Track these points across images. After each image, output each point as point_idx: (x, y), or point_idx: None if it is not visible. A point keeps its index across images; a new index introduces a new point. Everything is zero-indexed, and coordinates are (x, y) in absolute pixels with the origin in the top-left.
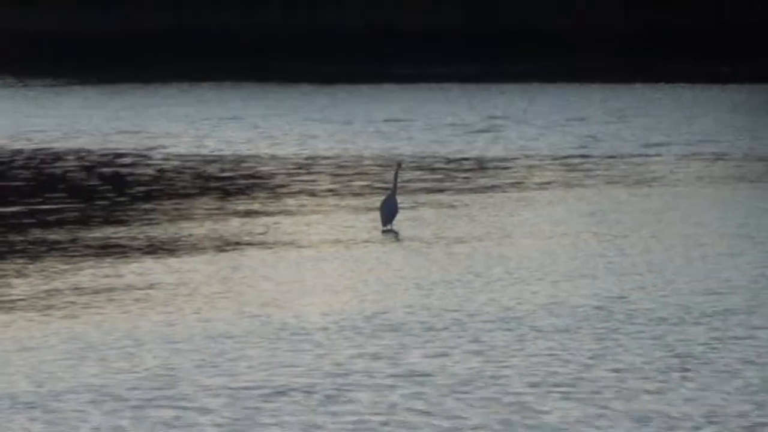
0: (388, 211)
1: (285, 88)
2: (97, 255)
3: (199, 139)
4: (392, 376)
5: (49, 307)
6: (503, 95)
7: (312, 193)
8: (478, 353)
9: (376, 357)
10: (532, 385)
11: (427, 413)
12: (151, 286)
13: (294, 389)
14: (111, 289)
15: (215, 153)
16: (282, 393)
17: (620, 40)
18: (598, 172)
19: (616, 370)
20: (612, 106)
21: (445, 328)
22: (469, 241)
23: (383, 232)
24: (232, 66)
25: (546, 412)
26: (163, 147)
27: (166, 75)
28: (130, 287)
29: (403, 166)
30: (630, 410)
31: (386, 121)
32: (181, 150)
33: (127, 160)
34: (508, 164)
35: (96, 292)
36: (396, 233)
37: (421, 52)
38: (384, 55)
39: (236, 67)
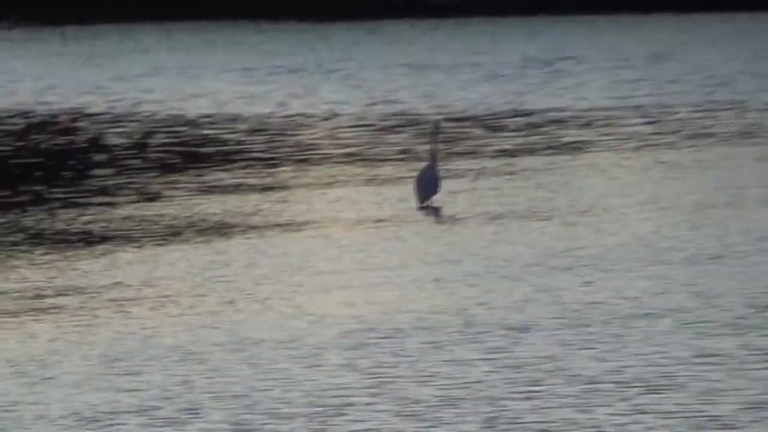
0: (427, 186)
1: (280, 25)
2: (67, 245)
3: (180, 96)
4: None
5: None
6: (559, 30)
7: (330, 162)
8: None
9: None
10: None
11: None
12: (145, 284)
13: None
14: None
15: (201, 112)
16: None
17: None
18: (678, 125)
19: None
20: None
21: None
22: (536, 219)
23: (420, 209)
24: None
25: None
26: (135, 107)
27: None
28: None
29: (442, 125)
30: None
31: (410, 66)
32: (159, 109)
33: (93, 124)
34: (573, 117)
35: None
36: (437, 210)
37: None
38: None
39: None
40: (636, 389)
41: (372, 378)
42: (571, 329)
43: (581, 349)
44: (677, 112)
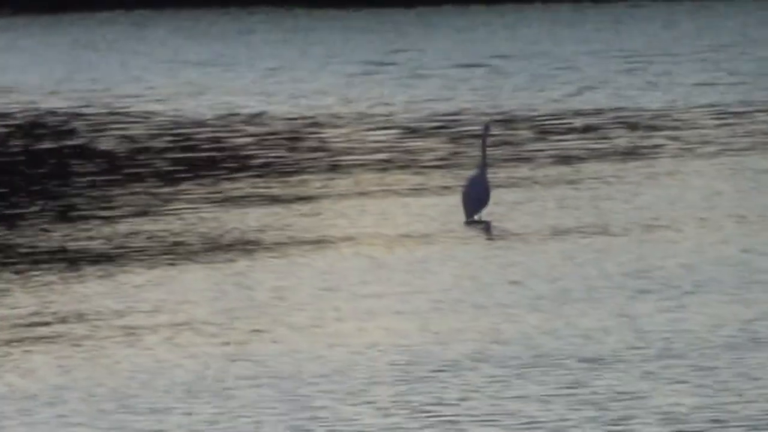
0: (475, 198)
1: (304, 13)
2: (61, 265)
3: (190, 93)
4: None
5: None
6: (619, 19)
7: (363, 169)
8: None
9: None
10: None
11: None
12: (158, 310)
13: None
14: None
15: (213, 112)
16: None
17: None
18: (759, 126)
19: None
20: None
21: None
22: (607, 234)
23: (467, 224)
24: None
25: None
26: (137, 105)
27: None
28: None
29: (493, 128)
30: None
31: (452, 60)
32: (165, 108)
33: (90, 126)
34: (639, 118)
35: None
36: (488, 225)
37: None
38: None
39: None
40: (734, 430)
41: (428, 417)
42: (655, 361)
43: (669, 383)
44: (758, 112)
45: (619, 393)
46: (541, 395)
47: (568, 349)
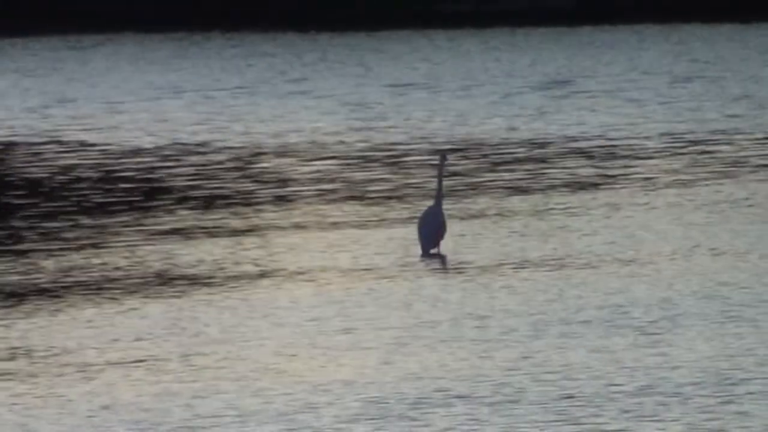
0: (431, 231)
1: (267, 37)
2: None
3: (129, 122)
4: None
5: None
6: (577, 44)
7: (314, 200)
8: None
9: None
10: None
11: None
12: (110, 346)
13: None
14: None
15: (154, 141)
16: None
17: None
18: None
19: None
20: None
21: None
22: (574, 267)
23: (423, 257)
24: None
25: None
26: (77, 135)
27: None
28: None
29: (450, 158)
30: None
31: (408, 86)
32: (100, 138)
33: (24, 155)
34: (595, 148)
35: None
36: (444, 258)
37: None
38: None
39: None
40: None
41: None
42: (636, 397)
43: (650, 420)
44: (716, 142)
45: (600, 431)
46: None
47: (547, 386)
